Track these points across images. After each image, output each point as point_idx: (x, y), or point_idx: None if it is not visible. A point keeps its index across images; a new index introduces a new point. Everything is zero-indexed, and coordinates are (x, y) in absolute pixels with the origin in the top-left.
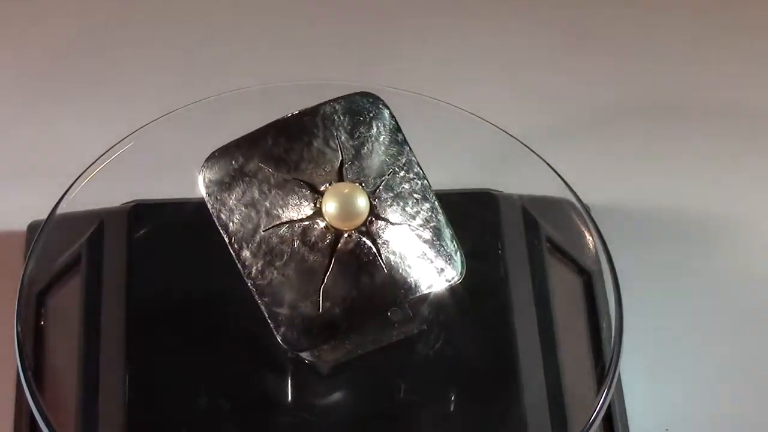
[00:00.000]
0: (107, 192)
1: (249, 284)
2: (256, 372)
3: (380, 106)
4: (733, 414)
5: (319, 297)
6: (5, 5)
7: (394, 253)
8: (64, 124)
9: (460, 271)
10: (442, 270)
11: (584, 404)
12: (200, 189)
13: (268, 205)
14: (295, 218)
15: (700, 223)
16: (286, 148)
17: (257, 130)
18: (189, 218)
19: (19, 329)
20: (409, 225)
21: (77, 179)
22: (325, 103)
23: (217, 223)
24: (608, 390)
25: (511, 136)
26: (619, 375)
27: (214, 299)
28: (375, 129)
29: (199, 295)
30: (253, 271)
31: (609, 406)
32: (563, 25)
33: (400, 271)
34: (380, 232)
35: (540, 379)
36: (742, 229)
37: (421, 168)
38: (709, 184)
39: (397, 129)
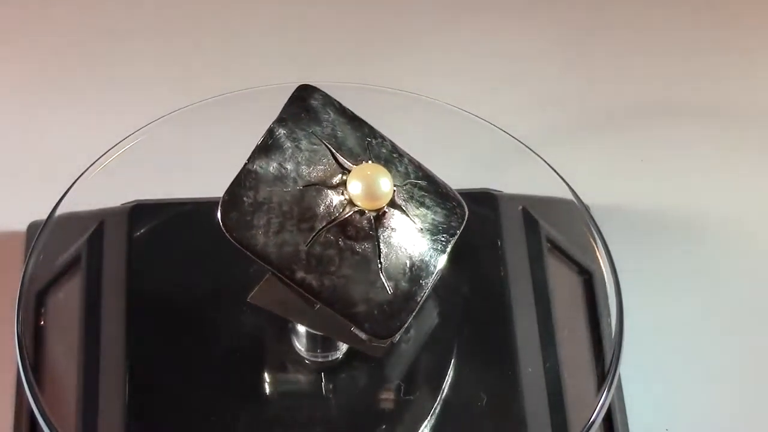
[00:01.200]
0: (107, 192)
1: (315, 301)
2: (257, 371)
3: (319, 91)
4: (733, 414)
5: (384, 280)
6: (6, 5)
7: (417, 212)
8: (64, 124)
9: (465, 205)
10: (455, 208)
11: (584, 404)
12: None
13: (296, 221)
14: (329, 220)
15: (701, 223)
16: (280, 163)
17: (247, 164)
18: (189, 218)
19: (19, 329)
20: (411, 183)
21: (77, 179)
22: (284, 108)
23: (257, 260)
24: (608, 390)
25: (511, 136)
26: (619, 375)
27: (214, 299)
28: (331, 113)
29: (199, 295)
30: (315, 286)
31: (609, 406)
32: (564, 26)
33: (431, 224)
34: (402, 197)
35: (540, 379)
36: (743, 228)
37: (377, 130)
38: (709, 184)
39: (342, 106)
